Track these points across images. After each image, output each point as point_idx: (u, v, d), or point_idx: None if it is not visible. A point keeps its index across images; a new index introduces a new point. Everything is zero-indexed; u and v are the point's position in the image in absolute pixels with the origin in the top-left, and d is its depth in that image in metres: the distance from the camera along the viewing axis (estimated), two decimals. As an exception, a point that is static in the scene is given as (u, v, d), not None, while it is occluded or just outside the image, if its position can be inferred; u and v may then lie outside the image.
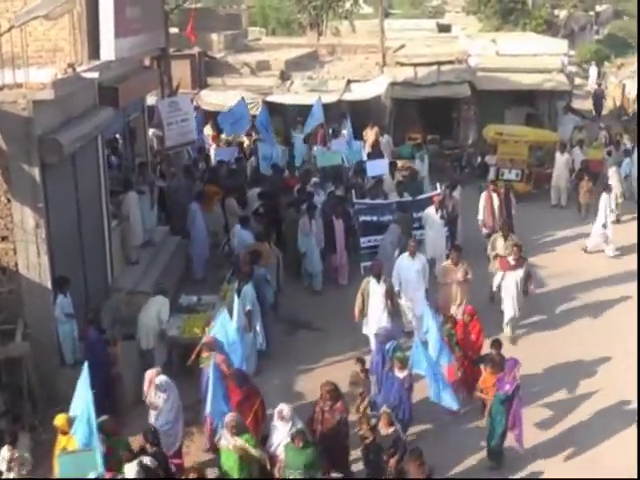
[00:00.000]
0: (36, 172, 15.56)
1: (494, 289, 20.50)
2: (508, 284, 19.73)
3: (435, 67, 37.36)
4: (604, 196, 25.78)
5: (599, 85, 52.60)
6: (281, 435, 13.51)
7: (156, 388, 14.54)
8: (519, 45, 41.00)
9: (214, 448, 14.64)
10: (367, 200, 24.73)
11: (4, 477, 13.26)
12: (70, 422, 12.85)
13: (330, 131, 31.54)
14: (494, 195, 24.62)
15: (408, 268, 19.58)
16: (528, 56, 38.86)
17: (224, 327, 15.57)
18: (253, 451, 13.18)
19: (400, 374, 15.12)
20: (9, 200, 15.75)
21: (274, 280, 20.46)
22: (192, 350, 16.05)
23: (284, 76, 36.84)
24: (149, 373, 14.88)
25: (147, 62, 26.85)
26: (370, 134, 33.08)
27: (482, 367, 16.00)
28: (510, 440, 15.10)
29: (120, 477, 12.47)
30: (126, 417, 15.81)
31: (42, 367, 16.03)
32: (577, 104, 44.38)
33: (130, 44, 20.57)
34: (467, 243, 23.45)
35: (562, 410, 16.77)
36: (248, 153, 30.63)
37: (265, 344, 18.65)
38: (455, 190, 25.18)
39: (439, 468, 13.78)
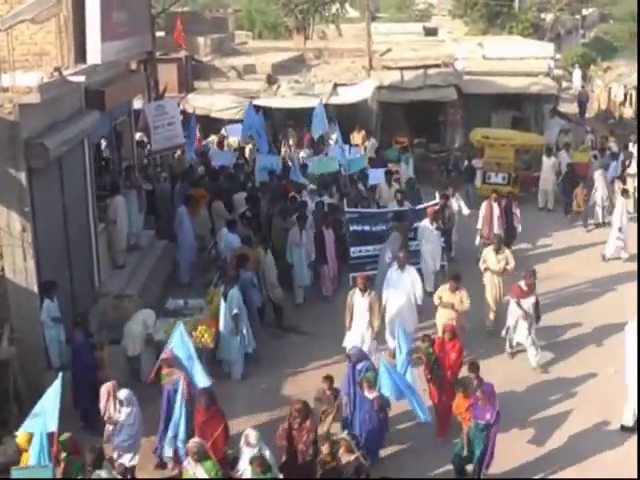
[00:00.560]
0: (22, 176, 15.53)
1: (508, 323, 19.09)
2: (521, 311, 18.63)
3: (422, 71, 37.44)
4: (620, 200, 25.67)
5: (583, 87, 52.90)
6: (247, 460, 13.25)
7: (119, 403, 14.30)
8: (505, 48, 41.07)
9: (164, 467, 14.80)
10: (360, 209, 24.24)
11: None
12: (31, 441, 12.77)
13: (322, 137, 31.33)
14: (495, 205, 24.05)
15: (397, 281, 19.01)
16: (514, 59, 38.92)
17: (182, 341, 15.13)
18: None
19: (370, 394, 14.78)
20: (-5, 204, 15.72)
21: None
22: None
23: (271, 80, 36.86)
24: (106, 387, 14.71)
25: (134, 66, 26.80)
26: (357, 138, 33.17)
27: (456, 391, 15.33)
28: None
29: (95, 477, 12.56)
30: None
31: (29, 371, 15.98)
32: (563, 107, 44.60)
33: (117, 48, 20.57)
34: (461, 254, 23.82)
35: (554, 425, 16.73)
36: (251, 159, 30.53)
37: (252, 347, 18.61)
38: (452, 199, 24.77)
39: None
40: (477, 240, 24.10)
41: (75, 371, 16.14)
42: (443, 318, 18.23)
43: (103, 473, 12.65)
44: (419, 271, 21.45)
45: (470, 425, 14.43)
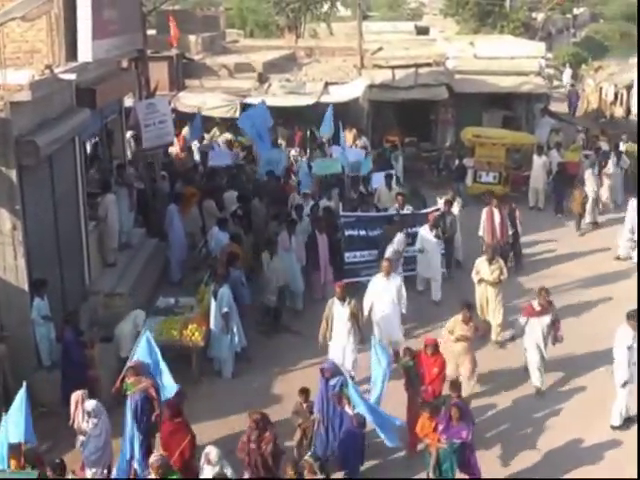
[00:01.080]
0: (13, 174, 15.51)
1: (513, 334, 19.01)
2: (532, 332, 17.60)
3: (413, 70, 37.45)
4: (632, 201, 25.57)
5: (572, 86, 53.03)
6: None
7: (86, 414, 13.90)
8: (497, 48, 41.08)
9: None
10: (357, 213, 23.61)
11: None
12: None
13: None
14: (495, 211, 23.36)
15: (382, 290, 18.47)
16: (506, 59, 38.91)
17: (149, 349, 14.68)
18: None
19: (350, 410, 14.45)
20: (-14, 202, 15.70)
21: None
22: (169, 351, 15.95)
23: (262, 78, 36.87)
24: (75, 396, 14.36)
25: (125, 64, 26.76)
26: (348, 137, 33.13)
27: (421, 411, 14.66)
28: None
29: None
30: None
31: (19, 369, 15.92)
32: (554, 106, 44.66)
33: (108, 46, 20.53)
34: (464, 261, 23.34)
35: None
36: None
37: (241, 346, 18.58)
38: (454, 205, 24.04)
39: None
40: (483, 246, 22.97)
41: (64, 369, 16.14)
42: (459, 353, 17.10)
43: None
44: (414, 276, 21.85)
45: (441, 446, 13.95)
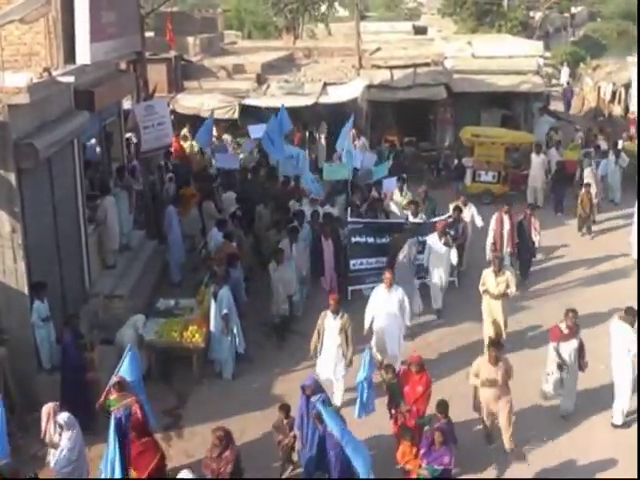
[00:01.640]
0: (12, 177, 15.50)
1: (548, 371, 16.72)
2: (559, 359, 16.33)
3: (411, 69, 37.50)
4: None
5: (568, 84, 53.23)
6: None
7: (58, 427, 13.49)
8: (495, 47, 41.19)
9: None
10: (364, 219, 22.82)
11: None
12: None
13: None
14: (505, 217, 22.76)
15: (384, 302, 17.85)
16: (504, 58, 39.04)
17: (132, 365, 14.54)
18: None
19: (321, 428, 13.93)
20: (-15, 205, 15.69)
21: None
22: (169, 353, 15.95)
23: (260, 79, 36.89)
24: (47, 408, 13.79)
25: (123, 66, 26.76)
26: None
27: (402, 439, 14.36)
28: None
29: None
30: (101, 422, 15.40)
31: (19, 372, 15.95)
32: (553, 105, 44.68)
33: (106, 48, 20.52)
34: (472, 270, 22.53)
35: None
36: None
37: (242, 347, 18.53)
38: (465, 211, 23.43)
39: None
40: (488, 254, 22.43)
41: (64, 372, 16.13)
42: (489, 401, 15.21)
43: None
44: (425, 286, 21.26)
45: (422, 472, 13.57)
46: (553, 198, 29.98)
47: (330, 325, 16.77)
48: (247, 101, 33.63)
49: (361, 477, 13.24)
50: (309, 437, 14.23)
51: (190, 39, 41.16)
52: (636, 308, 16.35)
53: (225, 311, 17.95)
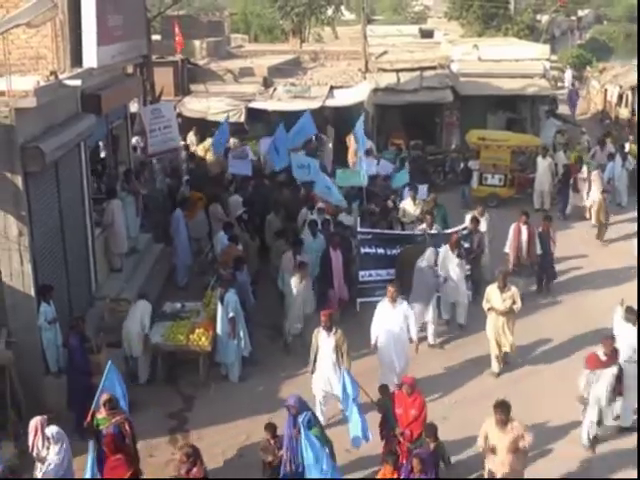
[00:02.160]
0: (19, 180, 15.52)
1: (584, 396, 15.60)
2: (597, 385, 15.39)
3: (417, 73, 37.43)
4: None
5: (572, 85, 53.27)
6: None
7: (46, 440, 13.14)
8: (501, 50, 41.16)
9: None
10: (374, 230, 21.99)
11: None
12: None
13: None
14: (523, 228, 22.30)
15: (388, 316, 17.33)
16: (510, 61, 39.06)
17: (115, 380, 14.37)
18: None
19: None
20: (-8, 208, 15.72)
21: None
22: (175, 356, 15.90)
23: (267, 83, 36.88)
24: (34, 421, 13.35)
25: (130, 69, 26.83)
26: (353, 140, 33.09)
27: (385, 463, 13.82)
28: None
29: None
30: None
31: (26, 375, 15.93)
32: (560, 108, 44.60)
33: (112, 51, 20.57)
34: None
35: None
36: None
37: (248, 350, 18.56)
38: (481, 221, 22.55)
39: None
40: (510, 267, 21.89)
41: (69, 375, 16.15)
42: (498, 466, 13.53)
43: None
44: (438, 299, 20.64)
45: None
46: (559, 201, 29.93)
47: (324, 342, 16.30)
48: (253, 104, 33.64)
49: None
50: (295, 456, 13.73)
51: (197, 42, 41.26)
52: (636, 308, 16.39)
53: (231, 314, 17.94)
